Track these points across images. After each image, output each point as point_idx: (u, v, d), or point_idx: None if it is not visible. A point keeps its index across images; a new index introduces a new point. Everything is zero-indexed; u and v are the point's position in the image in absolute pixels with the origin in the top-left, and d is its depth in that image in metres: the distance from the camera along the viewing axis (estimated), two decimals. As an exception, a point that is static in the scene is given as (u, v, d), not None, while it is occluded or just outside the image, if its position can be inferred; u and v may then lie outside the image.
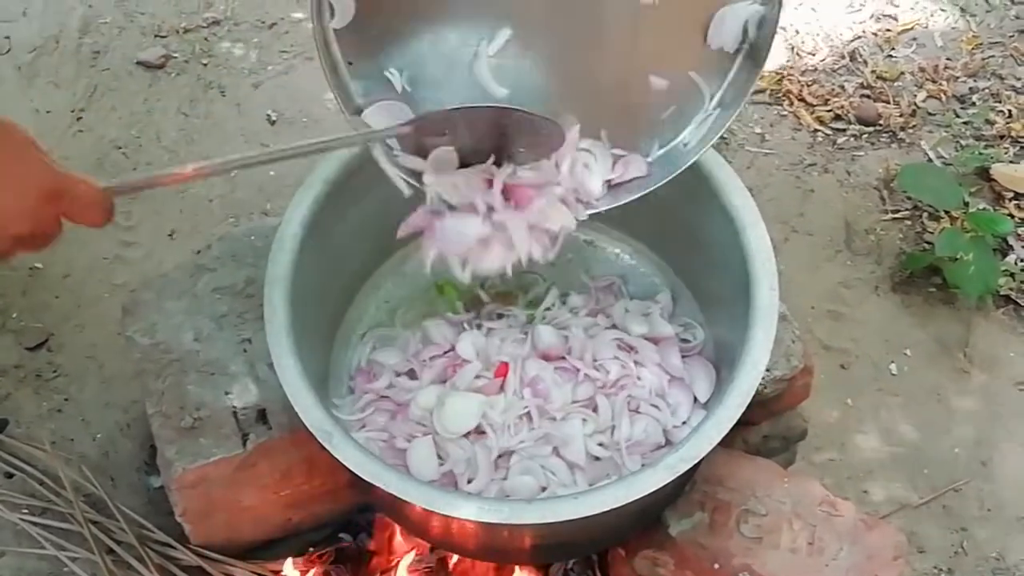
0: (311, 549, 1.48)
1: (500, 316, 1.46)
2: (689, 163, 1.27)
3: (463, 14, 1.21)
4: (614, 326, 1.43)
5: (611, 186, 1.31)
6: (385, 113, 1.24)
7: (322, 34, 1.16)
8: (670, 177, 1.28)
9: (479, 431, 1.30)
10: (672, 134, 1.29)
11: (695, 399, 1.36)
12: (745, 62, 1.24)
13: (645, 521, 1.36)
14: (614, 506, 1.10)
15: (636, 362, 1.38)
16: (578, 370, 1.36)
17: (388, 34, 1.20)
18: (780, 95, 2.31)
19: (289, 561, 1.45)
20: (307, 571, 1.46)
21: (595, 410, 1.33)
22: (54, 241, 1.03)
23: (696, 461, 1.15)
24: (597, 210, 1.30)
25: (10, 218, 0.97)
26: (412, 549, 1.46)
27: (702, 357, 1.41)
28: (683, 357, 1.39)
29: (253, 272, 1.47)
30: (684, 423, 1.35)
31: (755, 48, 1.22)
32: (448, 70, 1.24)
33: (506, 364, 1.35)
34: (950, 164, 2.20)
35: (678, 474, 1.13)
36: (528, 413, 1.31)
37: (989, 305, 1.99)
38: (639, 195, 1.29)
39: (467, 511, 1.12)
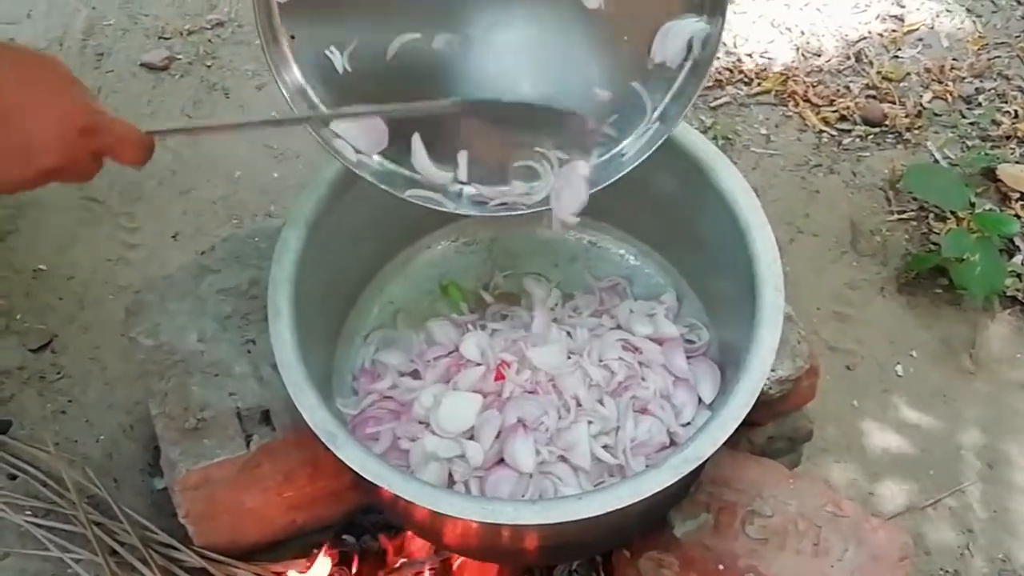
0: (315, 551, 1.48)
1: (504, 317, 1.46)
2: (623, 173, 1.26)
3: (409, 8, 1.22)
4: (619, 327, 1.42)
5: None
6: (359, 126, 1.25)
7: (265, 5, 1.16)
8: (604, 185, 1.28)
9: (479, 431, 1.30)
10: (612, 144, 1.29)
11: (700, 400, 1.36)
12: (688, 77, 1.24)
13: (650, 522, 1.35)
14: (619, 507, 1.10)
15: (641, 363, 1.38)
16: (583, 370, 1.36)
17: (332, 10, 1.21)
18: (785, 96, 2.31)
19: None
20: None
21: (600, 412, 1.33)
22: (92, 177, 1.06)
23: (701, 462, 1.15)
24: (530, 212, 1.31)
25: (42, 149, 1.00)
26: (416, 550, 1.46)
27: (707, 358, 1.40)
28: (688, 358, 1.39)
29: (257, 273, 1.47)
30: (689, 424, 1.34)
31: (698, 64, 1.23)
32: (392, 53, 1.24)
33: (508, 363, 1.35)
34: (956, 165, 2.19)
35: (683, 475, 1.13)
36: (531, 413, 1.31)
37: (995, 306, 1.98)
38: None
39: (471, 512, 1.12)
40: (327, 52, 1.22)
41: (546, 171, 1.29)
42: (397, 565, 1.46)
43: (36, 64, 1.04)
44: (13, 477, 1.63)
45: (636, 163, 1.26)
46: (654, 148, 1.25)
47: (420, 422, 1.33)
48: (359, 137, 1.25)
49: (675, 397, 1.36)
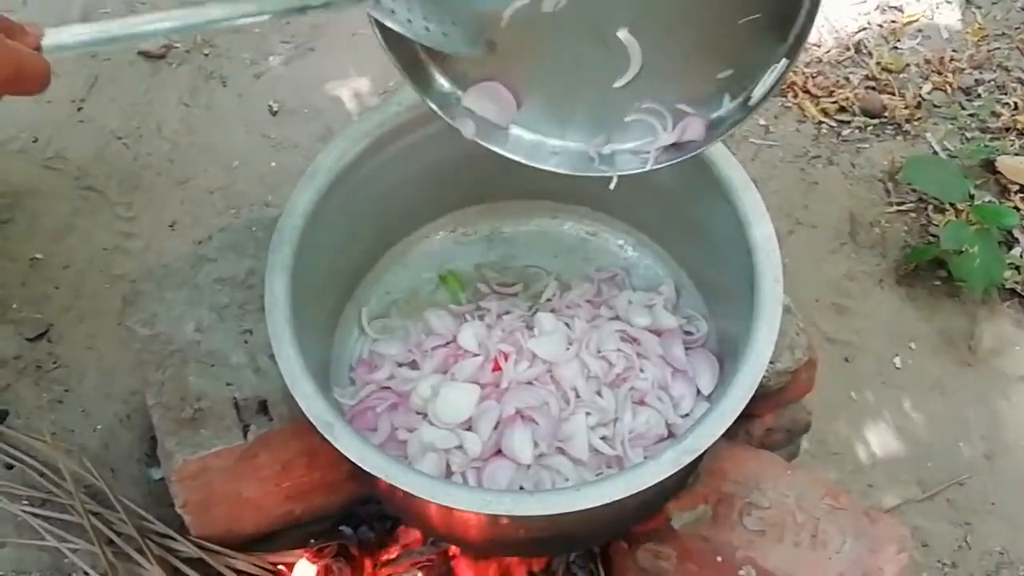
0: (312, 541, 1.47)
1: (502, 307, 1.45)
2: (745, 119, 1.22)
3: None
4: (617, 318, 1.42)
5: (668, 147, 1.27)
6: (484, 95, 1.24)
7: None
8: (723, 136, 1.23)
9: (477, 421, 1.30)
10: (742, 86, 1.23)
11: (698, 391, 1.36)
12: (809, 11, 1.19)
13: (648, 514, 1.35)
14: (616, 498, 1.10)
15: (639, 354, 1.37)
16: (581, 362, 1.35)
17: None
18: (784, 86, 2.30)
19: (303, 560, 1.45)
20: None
21: (598, 403, 1.32)
22: None
23: (699, 454, 1.14)
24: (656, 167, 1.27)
25: None
26: (413, 541, 1.46)
27: (705, 349, 1.40)
28: (686, 349, 1.39)
29: (254, 263, 1.47)
30: (687, 415, 1.34)
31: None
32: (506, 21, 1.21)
33: (506, 354, 1.34)
34: (955, 156, 2.18)
35: (681, 466, 1.12)
36: (529, 404, 1.31)
37: (994, 298, 1.98)
38: (692, 154, 1.25)
39: (468, 503, 1.11)
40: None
41: (663, 126, 1.26)
42: (395, 556, 1.46)
43: None
44: (10, 467, 1.63)
45: (761, 105, 1.21)
46: (777, 86, 1.19)
47: (418, 412, 1.33)
48: (488, 107, 1.24)
49: (673, 388, 1.36)
